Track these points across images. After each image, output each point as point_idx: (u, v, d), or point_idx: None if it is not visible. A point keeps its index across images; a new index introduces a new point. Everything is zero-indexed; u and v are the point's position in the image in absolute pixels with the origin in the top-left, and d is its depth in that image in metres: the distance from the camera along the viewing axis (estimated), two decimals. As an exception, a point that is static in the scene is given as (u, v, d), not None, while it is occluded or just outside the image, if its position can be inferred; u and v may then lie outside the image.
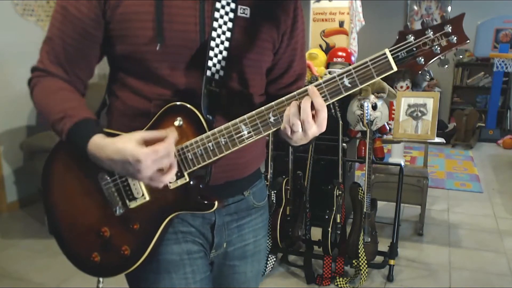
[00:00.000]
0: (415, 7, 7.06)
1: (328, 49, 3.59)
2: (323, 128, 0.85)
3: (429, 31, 0.81)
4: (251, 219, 1.11)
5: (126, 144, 0.82)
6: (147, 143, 0.83)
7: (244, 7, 0.94)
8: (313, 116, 0.83)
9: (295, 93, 0.85)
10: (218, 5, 0.91)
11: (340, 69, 3.49)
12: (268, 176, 2.67)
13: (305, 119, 0.82)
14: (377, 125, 2.65)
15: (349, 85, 0.83)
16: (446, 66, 0.84)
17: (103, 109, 1.05)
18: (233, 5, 0.92)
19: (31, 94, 0.96)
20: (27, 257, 2.92)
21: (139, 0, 0.89)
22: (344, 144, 2.89)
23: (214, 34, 0.91)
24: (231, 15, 0.92)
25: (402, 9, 7.14)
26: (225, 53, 0.92)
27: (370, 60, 0.81)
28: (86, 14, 0.89)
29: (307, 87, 0.84)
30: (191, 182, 0.91)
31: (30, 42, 3.74)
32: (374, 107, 2.64)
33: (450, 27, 0.80)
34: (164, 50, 0.89)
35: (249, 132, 0.87)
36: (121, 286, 1.05)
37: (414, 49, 0.81)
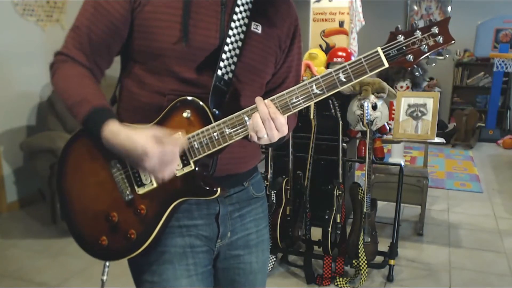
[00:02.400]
0: (415, 7, 7.06)
1: (328, 49, 3.58)
2: (285, 132, 0.95)
3: (418, 32, 0.90)
4: (252, 209, 1.18)
5: (140, 136, 0.90)
6: (158, 139, 0.91)
7: (257, 23, 1.06)
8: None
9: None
10: (235, 16, 1.03)
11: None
12: (268, 176, 2.67)
13: (259, 130, 0.92)
14: (377, 125, 2.65)
15: (344, 80, 0.91)
16: (434, 64, 0.95)
17: (113, 105, 1.11)
18: (246, 20, 1.04)
19: (52, 78, 1.02)
20: (27, 257, 2.92)
21: (168, 1, 0.97)
22: (344, 144, 2.89)
23: (228, 40, 1.01)
24: (244, 28, 1.03)
25: (402, 9, 7.14)
26: (235, 59, 1.02)
27: (364, 57, 0.90)
28: (118, 10, 0.97)
29: (265, 100, 0.93)
30: (196, 169, 0.97)
31: (30, 42, 3.75)
32: (374, 107, 2.64)
33: (437, 29, 0.89)
34: (186, 49, 0.97)
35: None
36: (124, 286, 1.06)
37: (404, 47, 0.90)
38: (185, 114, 0.97)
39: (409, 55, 0.90)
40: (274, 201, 2.67)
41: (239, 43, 1.03)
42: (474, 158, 5.43)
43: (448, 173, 4.83)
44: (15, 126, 3.75)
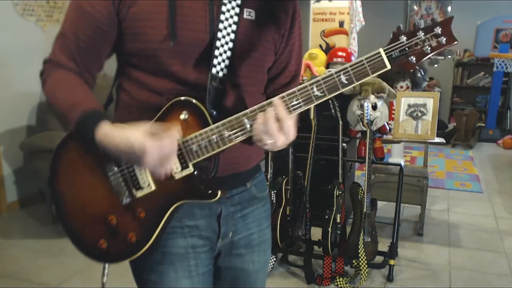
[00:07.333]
0: (415, 7, 7.06)
1: (328, 49, 3.58)
2: (291, 137, 0.90)
3: (420, 32, 0.87)
4: (254, 209, 1.16)
5: (134, 134, 0.87)
6: (153, 135, 0.88)
7: (250, 10, 1.01)
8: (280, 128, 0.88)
9: (267, 101, 0.91)
10: (224, 8, 0.98)
11: (340, 69, 3.49)
12: (268, 176, 2.67)
13: (268, 132, 0.88)
14: (377, 125, 2.65)
15: (346, 82, 0.88)
16: (436, 65, 0.91)
17: (110, 104, 1.09)
18: (237, 9, 0.99)
19: (43, 86, 1.01)
20: (27, 257, 2.92)
21: (153, 0, 0.94)
22: (344, 144, 2.89)
23: (219, 34, 0.97)
24: (235, 18, 0.99)
25: (402, 9, 7.14)
26: (229, 53, 0.98)
27: (366, 59, 0.87)
28: (101, 12, 0.94)
29: (273, 99, 0.89)
30: (195, 173, 0.96)
31: (30, 42, 3.75)
32: (374, 107, 2.64)
33: (440, 29, 0.86)
34: (176, 47, 0.95)
35: (251, 125, 0.91)
36: (125, 286, 1.06)
37: (406, 48, 0.87)
38: (182, 116, 0.94)
39: (412, 57, 0.88)
40: (274, 201, 2.67)
41: (232, 36, 0.98)
42: (474, 158, 5.43)
43: (448, 173, 4.83)
44: (15, 126, 3.75)
